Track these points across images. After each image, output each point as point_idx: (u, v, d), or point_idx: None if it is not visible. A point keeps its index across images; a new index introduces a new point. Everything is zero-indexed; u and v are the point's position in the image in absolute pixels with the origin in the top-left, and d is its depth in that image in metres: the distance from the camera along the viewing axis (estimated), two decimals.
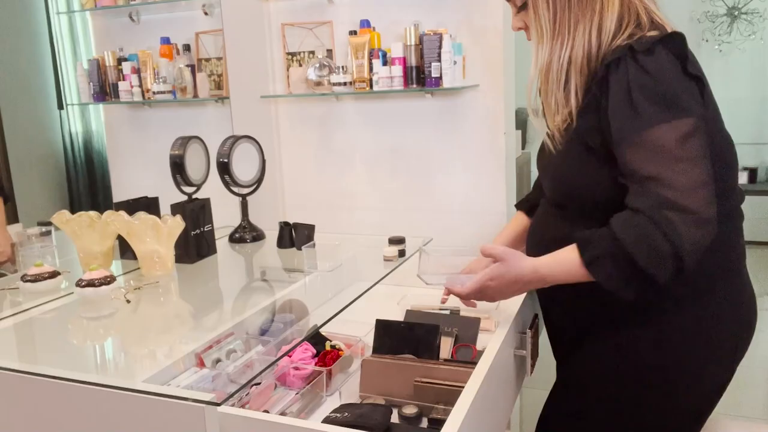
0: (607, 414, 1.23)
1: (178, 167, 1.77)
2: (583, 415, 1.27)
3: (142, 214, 1.61)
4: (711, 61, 5.16)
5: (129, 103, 2.29)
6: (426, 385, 1.22)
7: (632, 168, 1.06)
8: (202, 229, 1.78)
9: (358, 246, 1.89)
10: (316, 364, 1.34)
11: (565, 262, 1.12)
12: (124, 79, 2.25)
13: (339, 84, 2.11)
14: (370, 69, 2.07)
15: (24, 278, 1.49)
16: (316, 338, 1.43)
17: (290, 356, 1.35)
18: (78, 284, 1.42)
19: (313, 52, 2.23)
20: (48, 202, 1.96)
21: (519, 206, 1.55)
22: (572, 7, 1.13)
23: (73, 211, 1.63)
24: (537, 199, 1.40)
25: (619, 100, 1.06)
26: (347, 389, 1.33)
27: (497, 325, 1.31)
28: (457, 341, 1.46)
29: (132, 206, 1.71)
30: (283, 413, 1.20)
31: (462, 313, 1.57)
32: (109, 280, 1.43)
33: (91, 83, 2.21)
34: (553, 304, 1.35)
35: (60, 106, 2.04)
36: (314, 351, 1.40)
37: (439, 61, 1.96)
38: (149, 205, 1.78)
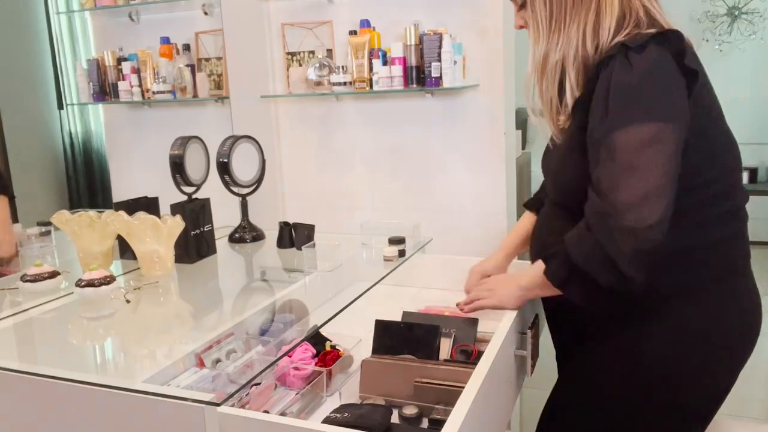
0: (611, 412, 1.23)
1: (177, 167, 1.77)
2: (586, 414, 1.27)
3: (141, 214, 1.61)
4: (711, 61, 5.09)
5: (129, 103, 2.29)
6: (426, 385, 1.22)
7: (592, 168, 1.08)
8: (201, 229, 1.77)
9: (358, 246, 1.89)
10: (316, 365, 1.34)
11: (535, 267, 1.23)
12: (123, 79, 2.24)
13: (339, 84, 2.11)
14: (370, 69, 2.06)
15: (24, 278, 1.49)
16: (316, 338, 1.43)
17: (290, 356, 1.35)
18: (78, 284, 1.42)
19: (313, 52, 2.23)
20: (47, 202, 1.96)
21: (527, 205, 1.54)
22: (569, 5, 1.13)
23: (72, 210, 1.62)
24: (545, 197, 1.40)
25: (599, 98, 1.07)
26: (347, 389, 1.33)
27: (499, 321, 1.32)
28: (456, 342, 1.46)
29: (132, 206, 1.70)
30: (283, 413, 1.20)
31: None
32: (108, 280, 1.43)
33: (90, 83, 2.20)
34: (559, 305, 1.35)
35: (60, 106, 2.04)
36: (314, 351, 1.40)
37: (439, 60, 1.96)
38: (149, 205, 1.78)
